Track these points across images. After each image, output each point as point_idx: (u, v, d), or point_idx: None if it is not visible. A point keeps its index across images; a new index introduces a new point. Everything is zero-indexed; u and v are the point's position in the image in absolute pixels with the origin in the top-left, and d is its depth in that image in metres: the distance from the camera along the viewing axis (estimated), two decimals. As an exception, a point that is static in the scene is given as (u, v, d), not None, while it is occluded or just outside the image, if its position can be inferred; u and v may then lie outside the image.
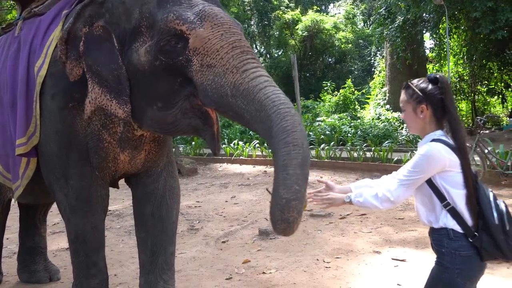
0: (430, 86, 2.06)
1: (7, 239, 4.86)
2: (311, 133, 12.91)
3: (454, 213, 1.99)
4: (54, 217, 5.72)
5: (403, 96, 2.12)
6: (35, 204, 3.77)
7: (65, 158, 2.56)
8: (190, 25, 2.04)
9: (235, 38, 2.05)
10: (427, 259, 4.02)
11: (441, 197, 2.00)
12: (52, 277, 4.01)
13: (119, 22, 2.26)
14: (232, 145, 11.75)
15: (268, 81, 1.94)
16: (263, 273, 3.93)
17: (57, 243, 5.18)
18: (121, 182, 2.96)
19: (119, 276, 4.02)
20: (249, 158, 10.55)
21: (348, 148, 10.26)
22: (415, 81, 2.11)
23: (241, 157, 10.67)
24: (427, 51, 17.98)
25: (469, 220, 1.99)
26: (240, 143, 11.87)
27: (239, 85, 1.94)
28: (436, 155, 1.97)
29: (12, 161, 2.83)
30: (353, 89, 18.82)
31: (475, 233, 1.97)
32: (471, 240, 1.97)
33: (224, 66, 1.99)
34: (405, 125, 13.37)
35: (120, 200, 7.23)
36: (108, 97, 2.25)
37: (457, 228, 1.99)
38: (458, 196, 1.98)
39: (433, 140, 2.03)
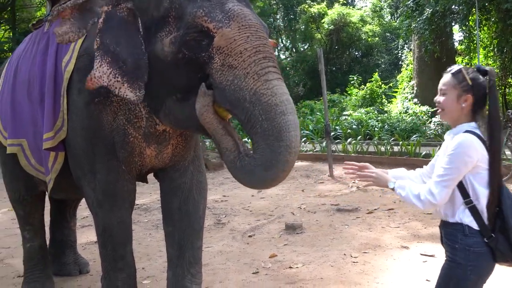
0: (480, 78, 1.99)
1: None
2: (337, 127, 12.84)
3: (474, 211, 1.95)
4: (83, 211, 5.79)
5: (449, 80, 2.03)
6: (66, 199, 3.83)
7: (91, 153, 2.59)
8: (217, 23, 2.03)
9: (260, 43, 2.04)
10: (457, 254, 3.98)
11: (464, 194, 1.96)
12: (82, 269, 4.09)
13: (148, 8, 2.24)
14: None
15: (289, 101, 1.97)
16: (290, 267, 3.93)
17: (86, 236, 5.27)
18: (149, 176, 2.98)
19: (146, 270, 4.06)
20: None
21: (375, 142, 10.16)
22: (465, 68, 2.03)
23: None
24: (456, 44, 17.65)
25: (487, 220, 1.94)
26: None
27: (260, 95, 1.95)
28: (470, 146, 1.92)
29: (43, 155, 2.88)
30: (380, 83, 18.61)
31: (492, 234, 1.93)
32: (486, 240, 1.93)
33: (245, 70, 1.99)
34: (433, 119, 13.24)
35: (148, 194, 7.30)
36: (119, 79, 2.22)
37: (474, 225, 1.95)
38: (483, 194, 1.94)
39: (466, 131, 1.98)
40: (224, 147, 2.10)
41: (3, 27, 19.88)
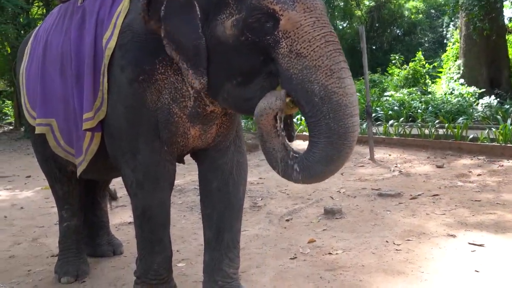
0: None
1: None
2: (378, 109, 12.66)
3: None
4: (118, 190, 5.87)
5: None
6: (97, 179, 3.85)
7: (134, 133, 2.58)
8: (283, 5, 2.00)
9: (327, 31, 2.02)
10: (508, 244, 3.85)
11: None
12: (116, 250, 4.12)
13: None
14: (295, 120, 11.65)
15: (356, 102, 2.03)
16: (329, 253, 3.88)
17: (119, 217, 5.34)
18: (186, 156, 2.96)
19: (181, 252, 4.08)
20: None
21: (419, 124, 9.98)
22: None
23: (304, 133, 10.54)
24: (507, 21, 17.07)
25: None
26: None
27: (331, 93, 1.97)
28: None
29: (76, 136, 2.87)
30: (424, 62, 18.20)
31: None
32: None
33: (316, 62, 1.98)
34: (481, 100, 12.88)
35: (182, 175, 7.33)
36: (185, 66, 2.24)
37: None
38: None
39: None
40: (271, 147, 2.15)
41: (36, 4, 20.22)
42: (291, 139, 2.28)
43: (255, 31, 2.05)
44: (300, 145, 9.83)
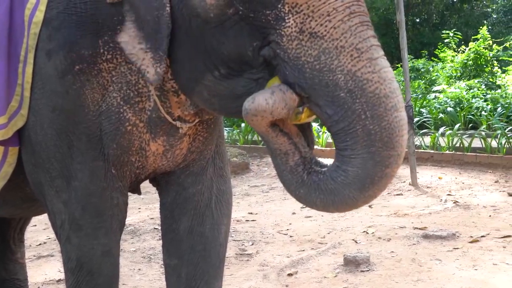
0: None
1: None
2: (423, 110, 12.66)
3: None
4: (39, 233, 5.83)
5: None
6: (10, 217, 3.79)
7: (66, 148, 2.54)
8: None
9: None
10: None
11: None
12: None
13: None
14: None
15: (398, 90, 2.00)
16: (352, 324, 3.91)
17: (43, 272, 5.28)
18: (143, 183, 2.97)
19: (135, 323, 4.09)
20: (328, 148, 10.47)
21: (483, 133, 10.01)
22: None
23: (315, 147, 10.53)
24: None
25: None
26: (315, 125, 11.65)
27: (363, 81, 1.94)
28: None
29: None
30: (490, 42, 18.27)
31: None
32: None
33: (338, 42, 1.96)
34: None
35: (136, 209, 7.32)
36: (142, 46, 2.26)
37: None
38: None
39: None
40: (277, 148, 2.11)
41: None
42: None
43: (250, 2, 2.02)
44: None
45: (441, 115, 12.34)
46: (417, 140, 9.86)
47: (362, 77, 1.94)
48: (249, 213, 7.18)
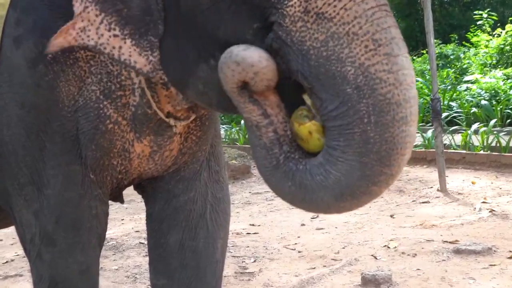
0: None
1: None
2: (453, 104, 12.66)
3: None
4: (5, 249, 5.85)
5: None
6: None
7: (37, 150, 2.53)
8: None
9: None
10: None
11: None
12: None
13: None
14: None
15: (416, 99, 1.91)
16: None
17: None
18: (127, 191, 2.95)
19: None
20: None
21: (524, 131, 10.00)
22: None
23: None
24: None
25: None
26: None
27: (374, 80, 1.84)
28: None
29: None
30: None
31: None
32: None
33: (349, 27, 1.87)
34: None
35: (118, 221, 7.37)
36: (117, 33, 2.19)
37: None
38: None
39: None
40: (247, 118, 2.07)
41: None
42: None
43: None
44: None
45: (474, 109, 12.39)
46: (446, 139, 9.81)
47: (375, 74, 1.85)
48: (250, 224, 7.18)
